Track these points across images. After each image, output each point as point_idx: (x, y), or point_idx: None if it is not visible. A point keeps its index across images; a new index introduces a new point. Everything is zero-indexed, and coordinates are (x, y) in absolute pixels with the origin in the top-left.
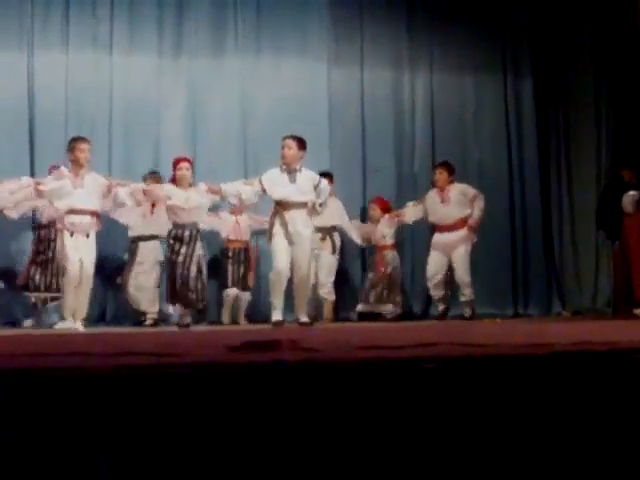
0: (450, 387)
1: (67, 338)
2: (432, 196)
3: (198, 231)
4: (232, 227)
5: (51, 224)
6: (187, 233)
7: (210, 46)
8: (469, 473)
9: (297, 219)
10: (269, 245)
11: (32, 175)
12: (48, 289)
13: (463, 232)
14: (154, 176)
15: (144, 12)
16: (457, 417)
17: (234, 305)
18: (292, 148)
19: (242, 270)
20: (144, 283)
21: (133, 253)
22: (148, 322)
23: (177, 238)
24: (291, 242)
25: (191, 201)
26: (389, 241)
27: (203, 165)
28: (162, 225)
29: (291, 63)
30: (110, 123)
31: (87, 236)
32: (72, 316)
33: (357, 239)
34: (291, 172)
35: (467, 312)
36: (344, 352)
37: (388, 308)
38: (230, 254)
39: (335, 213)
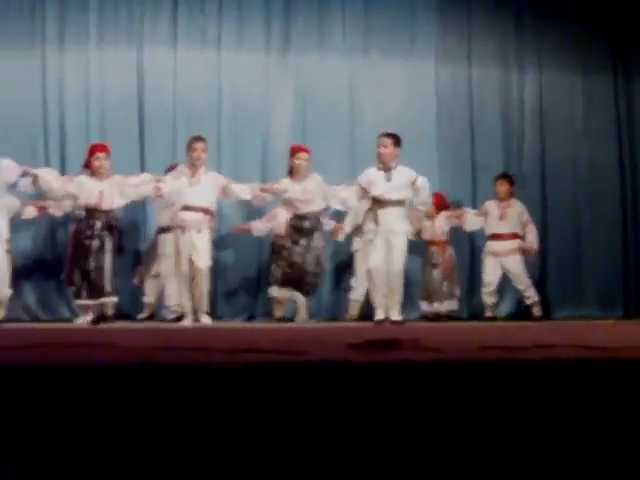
0: (572, 389)
1: (189, 333)
2: (492, 209)
3: (319, 222)
4: None
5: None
6: (307, 224)
7: (317, 43)
8: None
9: (391, 217)
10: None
11: (142, 168)
12: None
13: (518, 242)
14: None
15: (252, 9)
16: (580, 420)
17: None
18: (388, 146)
19: None
20: None
21: None
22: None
23: (296, 228)
24: (386, 240)
25: (308, 192)
26: (446, 237)
27: (312, 161)
28: None
29: (398, 61)
30: (219, 120)
31: (198, 232)
32: (191, 311)
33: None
34: (387, 170)
35: (537, 311)
36: (467, 352)
37: (454, 305)
38: None
39: None
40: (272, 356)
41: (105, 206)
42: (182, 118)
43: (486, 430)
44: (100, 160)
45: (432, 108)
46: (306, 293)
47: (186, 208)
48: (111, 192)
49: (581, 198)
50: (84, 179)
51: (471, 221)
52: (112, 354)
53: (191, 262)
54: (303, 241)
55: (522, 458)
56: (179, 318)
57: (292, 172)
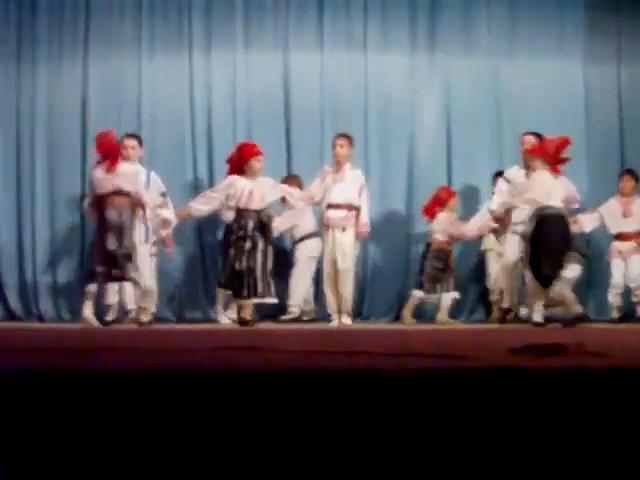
0: None
1: (344, 335)
2: (614, 206)
3: None
4: None
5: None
6: None
7: (463, 44)
8: None
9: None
10: None
11: (289, 172)
12: None
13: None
14: (294, 179)
15: (397, 11)
16: None
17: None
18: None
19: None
20: None
21: None
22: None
23: None
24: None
25: None
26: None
27: (457, 160)
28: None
29: (545, 61)
30: (365, 121)
31: (343, 230)
32: (337, 312)
33: None
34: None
35: None
36: (633, 358)
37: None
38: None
39: None
40: (430, 361)
41: (256, 206)
42: (329, 119)
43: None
44: (261, 162)
45: (580, 108)
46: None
47: (330, 206)
48: (261, 191)
49: None
50: (236, 179)
51: (587, 222)
52: (267, 358)
53: (335, 262)
54: None
55: None
56: (296, 319)
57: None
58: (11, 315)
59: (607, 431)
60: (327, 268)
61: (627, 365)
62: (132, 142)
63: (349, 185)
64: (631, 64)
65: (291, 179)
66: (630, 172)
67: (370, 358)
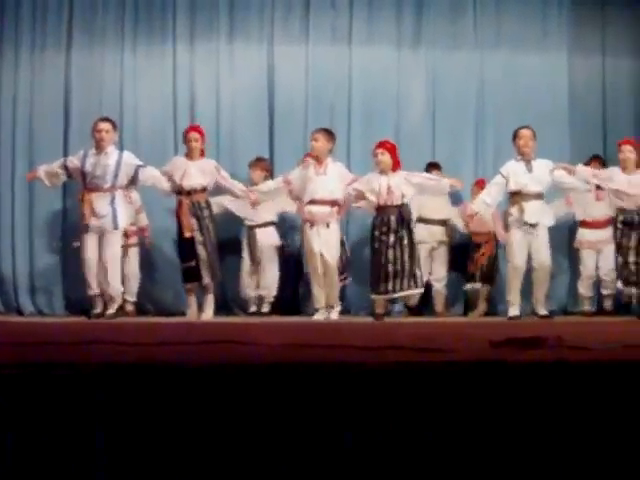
0: None
1: (325, 328)
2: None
3: None
4: None
5: None
6: None
7: (449, 38)
8: None
9: (533, 209)
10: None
11: (272, 165)
12: None
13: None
14: (261, 163)
15: (383, 3)
16: None
17: None
18: (531, 138)
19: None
20: None
21: None
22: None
23: None
24: (528, 233)
25: None
26: None
27: (441, 155)
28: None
29: (530, 54)
30: (349, 114)
31: (327, 226)
32: (324, 307)
33: None
34: (528, 161)
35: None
36: (614, 351)
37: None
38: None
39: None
40: (411, 354)
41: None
42: (313, 113)
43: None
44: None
45: (565, 100)
46: None
47: (313, 202)
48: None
49: None
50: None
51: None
52: (250, 352)
53: (322, 257)
54: None
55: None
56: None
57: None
58: None
59: (586, 423)
60: (313, 264)
61: (605, 358)
62: (106, 125)
63: (332, 179)
64: (615, 57)
65: (258, 163)
66: (598, 158)
67: (351, 351)
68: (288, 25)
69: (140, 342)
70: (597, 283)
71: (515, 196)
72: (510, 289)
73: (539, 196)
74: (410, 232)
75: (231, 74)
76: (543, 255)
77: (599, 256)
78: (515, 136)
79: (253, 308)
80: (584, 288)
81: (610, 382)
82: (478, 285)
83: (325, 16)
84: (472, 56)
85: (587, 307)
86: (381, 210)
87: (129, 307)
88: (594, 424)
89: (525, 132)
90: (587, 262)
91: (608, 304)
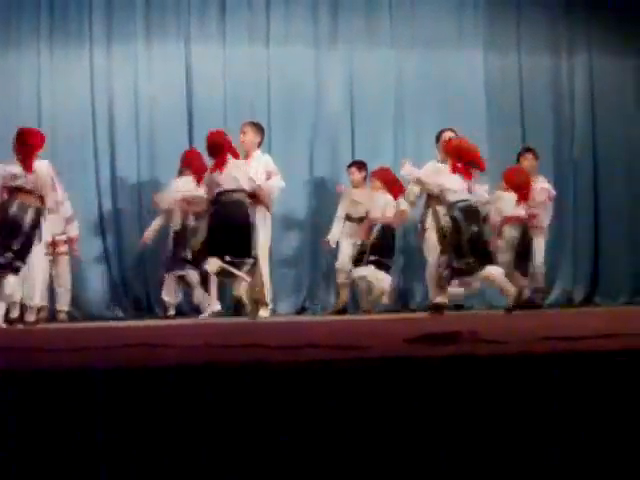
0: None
1: (240, 328)
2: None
3: None
4: None
5: None
6: None
7: (365, 35)
8: None
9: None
10: None
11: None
12: None
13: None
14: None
15: (299, 3)
16: None
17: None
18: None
19: None
20: None
21: None
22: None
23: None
24: None
25: None
26: None
27: (361, 153)
28: None
29: (446, 51)
30: (269, 114)
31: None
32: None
33: None
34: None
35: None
36: (528, 344)
37: None
38: None
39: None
40: (327, 352)
41: None
42: (232, 113)
43: (549, 425)
44: None
45: (481, 97)
46: None
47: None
48: None
49: (634, 184)
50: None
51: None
52: (170, 353)
53: None
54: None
55: (587, 453)
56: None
57: None
58: None
59: (501, 419)
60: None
61: (520, 352)
62: None
63: (255, 170)
64: (531, 53)
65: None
66: (530, 150)
67: (267, 351)
68: (204, 25)
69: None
70: None
71: (432, 199)
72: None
73: None
74: None
75: (149, 75)
76: None
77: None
78: (438, 139)
79: (172, 311)
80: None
81: (524, 375)
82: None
83: (242, 16)
84: (389, 54)
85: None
86: None
87: (62, 315)
88: (511, 419)
89: (449, 134)
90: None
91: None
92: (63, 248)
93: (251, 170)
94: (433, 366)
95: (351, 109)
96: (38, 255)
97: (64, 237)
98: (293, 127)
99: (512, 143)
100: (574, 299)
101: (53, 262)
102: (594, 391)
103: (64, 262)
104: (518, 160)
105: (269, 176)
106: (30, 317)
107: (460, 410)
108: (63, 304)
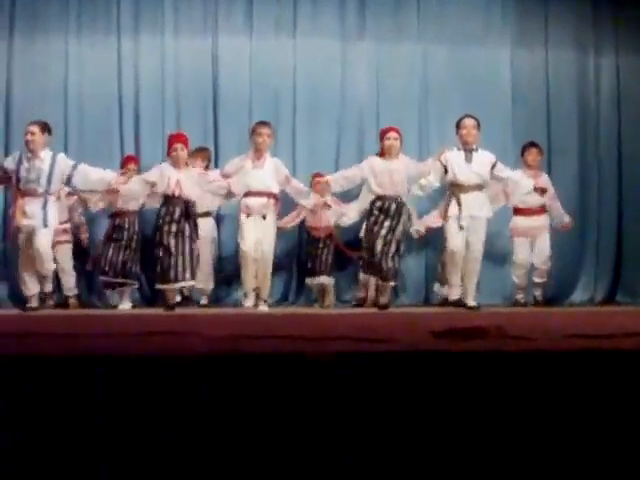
0: None
1: (259, 319)
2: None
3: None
4: None
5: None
6: (393, 206)
7: (392, 30)
8: None
9: (472, 201)
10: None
11: (216, 156)
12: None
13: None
14: (202, 153)
15: None
16: None
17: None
18: (474, 127)
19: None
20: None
21: None
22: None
23: (381, 210)
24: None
25: (395, 173)
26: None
27: None
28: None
29: (473, 45)
30: (294, 106)
31: (264, 218)
32: (254, 296)
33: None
34: (469, 152)
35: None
36: (555, 341)
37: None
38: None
39: None
40: (353, 344)
41: (182, 194)
42: (257, 104)
43: (576, 421)
44: (177, 151)
45: (508, 93)
46: (385, 279)
47: (250, 194)
48: (187, 181)
49: None
50: (165, 167)
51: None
52: (195, 343)
53: (257, 248)
54: (387, 223)
55: (615, 448)
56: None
57: (383, 153)
58: None
59: (527, 413)
60: (252, 254)
61: (547, 348)
62: (32, 128)
63: (269, 173)
64: (558, 50)
65: (198, 153)
66: (534, 145)
67: (292, 342)
68: (232, 17)
69: (78, 334)
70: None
71: (453, 187)
72: (450, 273)
73: (478, 187)
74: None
75: (176, 65)
76: (477, 247)
77: (534, 244)
78: (458, 125)
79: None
80: (517, 277)
81: (551, 372)
82: (324, 279)
83: (269, 8)
84: (415, 49)
85: (521, 297)
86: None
87: (72, 301)
88: (537, 414)
89: (468, 121)
90: (520, 250)
91: (538, 293)
92: (64, 236)
93: (265, 175)
94: (460, 360)
95: (377, 103)
96: (43, 239)
97: (67, 225)
98: (319, 120)
99: (538, 140)
100: (595, 298)
101: (55, 249)
102: (622, 389)
103: (66, 249)
104: (522, 154)
105: (288, 181)
106: (34, 303)
107: (487, 402)
108: (70, 290)
